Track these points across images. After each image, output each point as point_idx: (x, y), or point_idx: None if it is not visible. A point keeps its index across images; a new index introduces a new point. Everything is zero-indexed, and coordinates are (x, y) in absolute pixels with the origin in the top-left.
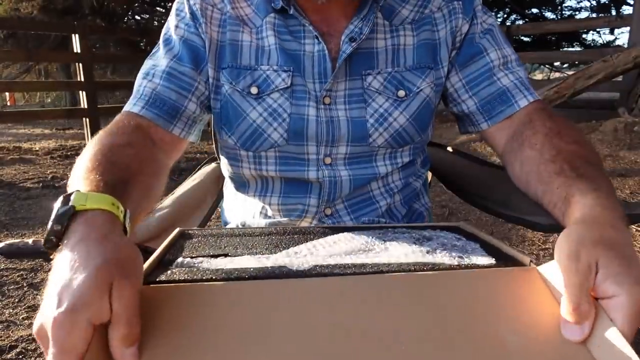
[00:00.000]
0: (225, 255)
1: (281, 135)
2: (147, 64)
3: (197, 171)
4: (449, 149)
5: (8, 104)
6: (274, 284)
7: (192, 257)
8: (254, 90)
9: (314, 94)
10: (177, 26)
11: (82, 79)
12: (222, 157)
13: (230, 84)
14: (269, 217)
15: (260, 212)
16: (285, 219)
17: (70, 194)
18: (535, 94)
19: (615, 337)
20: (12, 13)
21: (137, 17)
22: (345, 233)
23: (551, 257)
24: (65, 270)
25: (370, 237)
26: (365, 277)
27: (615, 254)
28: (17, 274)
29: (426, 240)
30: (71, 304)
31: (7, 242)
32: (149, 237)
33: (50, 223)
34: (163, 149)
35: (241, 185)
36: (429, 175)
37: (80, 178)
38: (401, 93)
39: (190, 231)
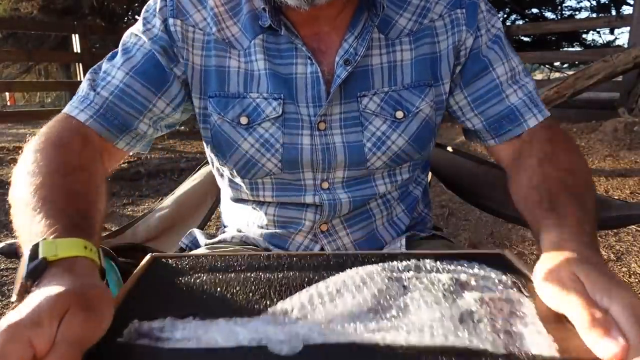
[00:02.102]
0: (194, 315)
1: (275, 165)
2: (103, 67)
3: (197, 171)
4: (449, 149)
5: (8, 104)
6: None
7: (149, 320)
8: (243, 120)
9: (308, 120)
10: (143, 37)
11: (82, 79)
12: (216, 175)
13: (219, 114)
14: (264, 228)
15: (254, 223)
16: (280, 230)
17: (37, 244)
18: (544, 110)
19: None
20: (12, 13)
21: (137, 17)
22: (354, 272)
23: None
24: (33, 296)
25: (386, 281)
26: None
27: (591, 269)
28: None
29: (460, 289)
30: (20, 318)
31: (7, 242)
32: (149, 237)
33: (21, 280)
34: (105, 159)
35: (235, 193)
36: (429, 175)
37: (38, 214)
38: (399, 114)
39: (163, 261)
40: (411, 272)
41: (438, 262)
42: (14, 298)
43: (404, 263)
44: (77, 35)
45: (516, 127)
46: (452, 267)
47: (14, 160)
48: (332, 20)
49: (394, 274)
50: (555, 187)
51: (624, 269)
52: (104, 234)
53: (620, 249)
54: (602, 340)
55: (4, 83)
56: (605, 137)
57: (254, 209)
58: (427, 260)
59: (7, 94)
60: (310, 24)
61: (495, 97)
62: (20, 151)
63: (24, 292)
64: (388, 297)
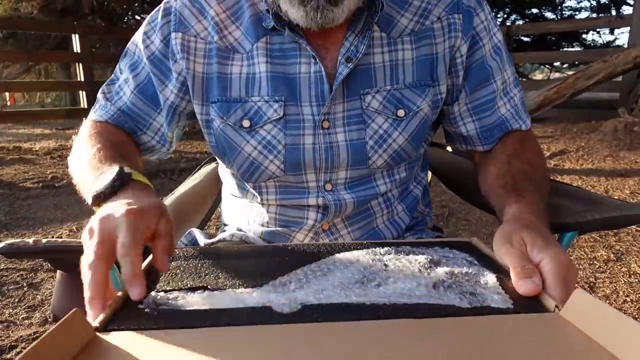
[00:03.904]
0: (205, 288)
1: (278, 167)
2: (120, 81)
3: (197, 171)
4: (449, 148)
5: (8, 104)
6: (253, 332)
7: (165, 292)
8: (246, 123)
9: (311, 119)
10: (144, 54)
11: (82, 79)
12: (225, 176)
13: (222, 118)
14: (265, 226)
15: (255, 221)
16: (282, 228)
17: (122, 167)
18: (527, 121)
19: (582, 296)
20: (12, 13)
21: (137, 17)
22: (342, 255)
23: None
24: (128, 198)
25: (370, 261)
26: (359, 325)
27: (535, 233)
28: (17, 274)
29: (434, 266)
30: (141, 207)
31: (7, 242)
32: None
33: (110, 180)
34: None
35: (239, 193)
36: (429, 175)
37: (104, 163)
38: (401, 112)
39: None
40: (391, 255)
41: (415, 248)
42: (90, 201)
43: (385, 249)
44: (77, 35)
45: (502, 133)
46: (427, 251)
47: (14, 160)
48: None
49: (377, 257)
50: (518, 175)
51: (624, 269)
52: None
53: (620, 249)
54: (523, 280)
55: (4, 83)
56: (605, 137)
57: (257, 208)
58: (405, 247)
59: (7, 94)
60: None
61: (490, 108)
62: (20, 151)
63: (110, 190)
64: (372, 272)
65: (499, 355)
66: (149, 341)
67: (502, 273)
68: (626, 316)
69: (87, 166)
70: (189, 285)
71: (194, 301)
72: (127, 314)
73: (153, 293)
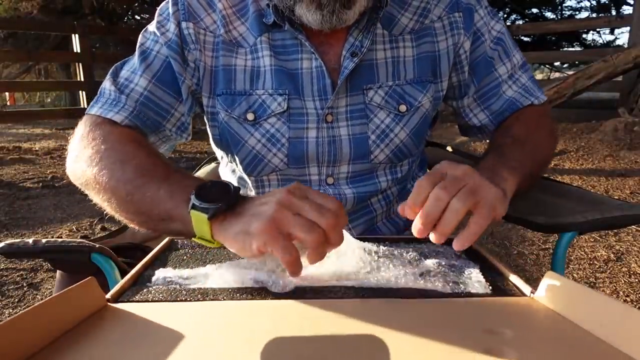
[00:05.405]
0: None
1: (281, 160)
2: (123, 74)
3: (197, 171)
4: (449, 148)
5: (8, 104)
6: (247, 305)
7: (172, 273)
8: (250, 116)
9: (315, 113)
10: (160, 42)
11: (82, 79)
12: (227, 172)
13: (226, 111)
14: None
15: None
16: None
17: (227, 183)
18: (540, 96)
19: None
20: (12, 13)
21: (137, 17)
22: (339, 247)
23: (551, 257)
24: (264, 198)
25: (364, 253)
26: (346, 302)
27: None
28: (17, 274)
29: (423, 258)
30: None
31: (7, 242)
32: (149, 237)
33: (230, 193)
34: None
35: (243, 193)
36: None
37: (182, 178)
38: (402, 108)
39: (178, 241)
40: (385, 248)
41: (408, 243)
42: (210, 215)
43: (380, 243)
44: (77, 35)
45: (514, 111)
46: (419, 246)
47: (14, 160)
48: None
49: (371, 249)
50: (492, 147)
51: (624, 269)
52: (104, 234)
53: (620, 249)
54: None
55: (4, 83)
56: (605, 137)
57: None
58: (400, 242)
59: (7, 94)
60: None
61: (496, 94)
62: (20, 151)
63: (226, 204)
64: (364, 262)
65: (467, 327)
66: (155, 310)
67: (486, 270)
68: (593, 290)
69: (143, 184)
70: (194, 265)
71: (198, 281)
72: (136, 290)
73: (162, 274)
